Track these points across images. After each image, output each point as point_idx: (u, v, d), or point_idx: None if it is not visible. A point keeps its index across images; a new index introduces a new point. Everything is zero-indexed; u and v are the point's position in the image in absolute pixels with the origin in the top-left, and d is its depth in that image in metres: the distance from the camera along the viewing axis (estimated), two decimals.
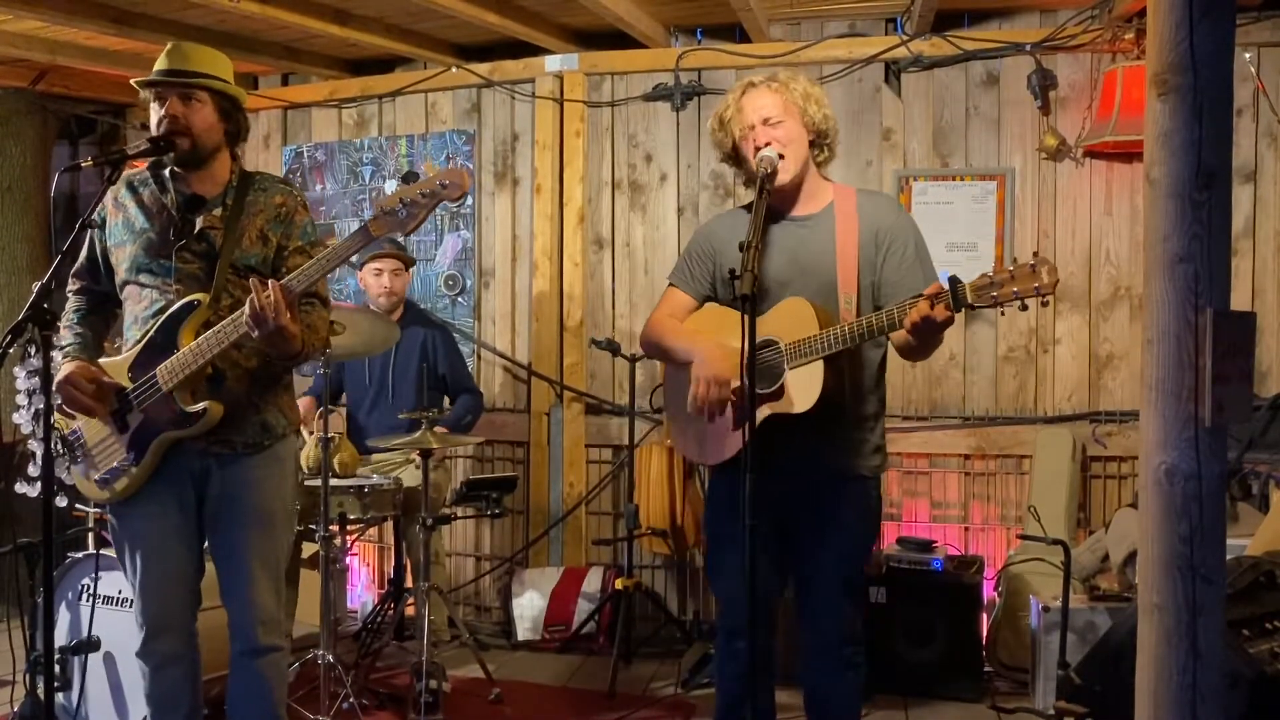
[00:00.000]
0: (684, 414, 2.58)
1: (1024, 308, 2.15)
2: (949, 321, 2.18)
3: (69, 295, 2.73)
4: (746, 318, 2.07)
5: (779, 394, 2.38)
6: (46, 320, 2.31)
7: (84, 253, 2.70)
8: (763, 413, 2.38)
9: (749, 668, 2.24)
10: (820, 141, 2.53)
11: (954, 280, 2.15)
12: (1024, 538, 3.73)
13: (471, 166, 4.84)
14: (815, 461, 2.45)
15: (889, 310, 2.26)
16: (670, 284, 2.68)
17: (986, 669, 3.84)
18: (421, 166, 4.88)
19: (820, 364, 2.33)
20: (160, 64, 2.54)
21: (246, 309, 2.36)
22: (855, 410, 2.49)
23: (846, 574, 2.50)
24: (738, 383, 2.30)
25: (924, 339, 2.28)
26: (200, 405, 2.48)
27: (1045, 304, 2.14)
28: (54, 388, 2.52)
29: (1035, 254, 2.14)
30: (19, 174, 5.07)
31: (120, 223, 2.62)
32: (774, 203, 2.48)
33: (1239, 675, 2.36)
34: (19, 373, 3.78)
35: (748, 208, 2.56)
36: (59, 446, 2.64)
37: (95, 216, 2.63)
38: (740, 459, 2.40)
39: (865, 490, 2.52)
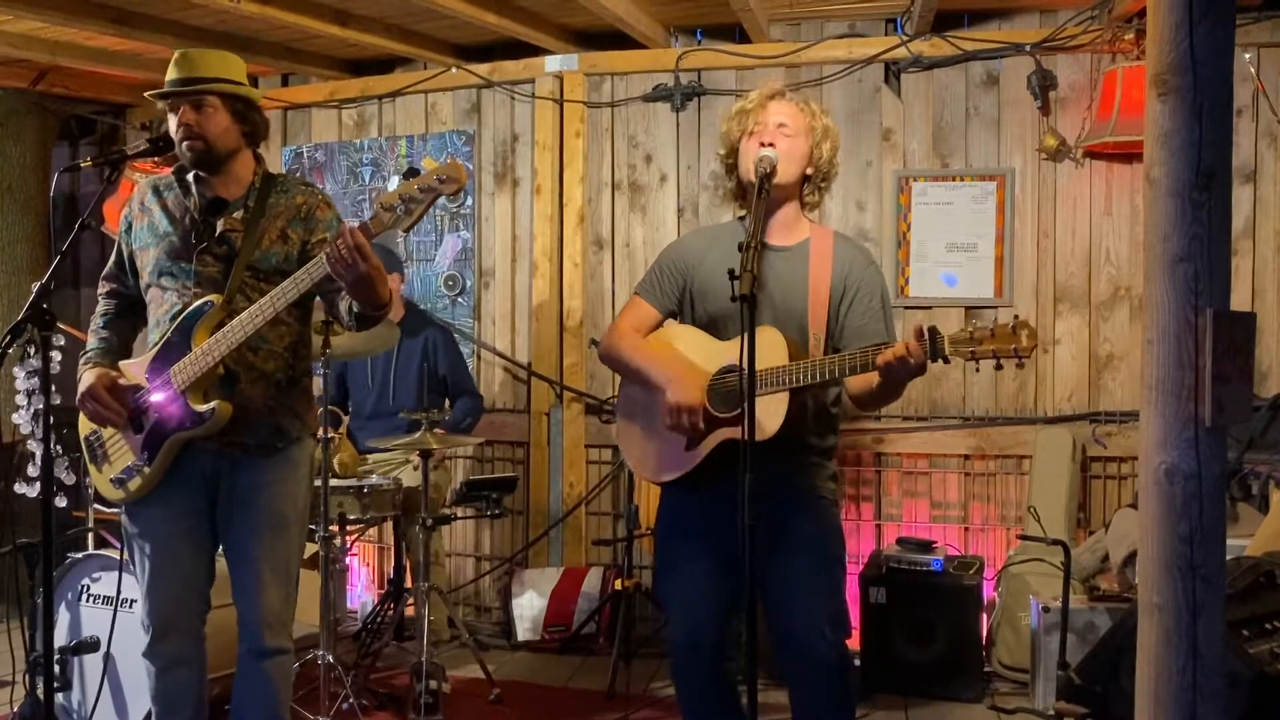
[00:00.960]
0: (635, 430, 2.55)
1: (999, 367, 2.13)
2: (921, 370, 2.15)
3: (99, 298, 2.73)
4: (746, 318, 2.04)
5: (738, 420, 2.27)
6: (46, 320, 2.31)
7: (113, 256, 2.71)
8: (720, 435, 2.34)
9: (746, 672, 2.20)
10: (814, 179, 2.49)
11: (933, 330, 2.14)
12: (1024, 538, 3.74)
13: (471, 167, 4.84)
14: (772, 483, 2.34)
15: (862, 350, 2.23)
16: (636, 294, 2.60)
17: (986, 669, 3.84)
18: (422, 164, 4.88)
19: (785, 395, 2.30)
20: (170, 74, 2.54)
21: (327, 260, 2.29)
22: (814, 441, 2.47)
23: (818, 586, 2.39)
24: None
25: (890, 383, 2.24)
26: (210, 405, 2.47)
27: (1020, 366, 2.13)
28: (77, 401, 2.53)
29: (1016, 317, 2.13)
30: (19, 174, 5.07)
31: (145, 227, 2.63)
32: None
33: (1239, 675, 2.36)
34: (19, 373, 3.78)
35: (742, 219, 2.54)
36: (59, 448, 2.64)
37: (123, 221, 2.66)
38: (687, 480, 2.42)
39: (825, 508, 2.48)
